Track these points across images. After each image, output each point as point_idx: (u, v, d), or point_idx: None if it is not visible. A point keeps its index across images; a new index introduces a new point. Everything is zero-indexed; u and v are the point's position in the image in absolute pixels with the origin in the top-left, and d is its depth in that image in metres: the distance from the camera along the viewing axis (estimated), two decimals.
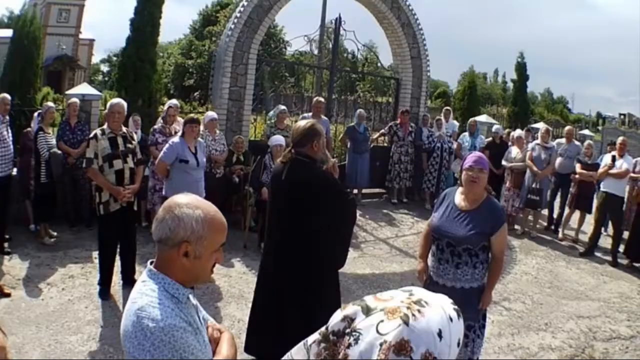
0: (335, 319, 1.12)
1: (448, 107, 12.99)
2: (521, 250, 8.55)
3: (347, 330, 1.08)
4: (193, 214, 1.64)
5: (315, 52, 14.52)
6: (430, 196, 10.41)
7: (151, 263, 1.73)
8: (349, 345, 1.06)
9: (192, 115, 6.74)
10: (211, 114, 7.88)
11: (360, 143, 9.92)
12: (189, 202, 1.68)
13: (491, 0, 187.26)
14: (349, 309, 1.11)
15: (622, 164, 8.21)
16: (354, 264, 6.98)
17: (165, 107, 7.80)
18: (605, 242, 9.01)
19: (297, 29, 13.55)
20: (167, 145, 5.86)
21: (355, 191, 9.99)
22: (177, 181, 5.68)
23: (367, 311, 1.08)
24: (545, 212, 9.88)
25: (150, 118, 9.19)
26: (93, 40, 37.46)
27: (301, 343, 1.19)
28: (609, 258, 8.32)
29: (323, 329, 1.15)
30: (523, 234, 9.27)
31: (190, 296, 1.74)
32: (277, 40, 25.93)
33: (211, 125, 7.56)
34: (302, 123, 3.78)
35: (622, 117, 68.55)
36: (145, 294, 1.63)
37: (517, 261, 7.98)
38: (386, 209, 10.12)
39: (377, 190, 10.87)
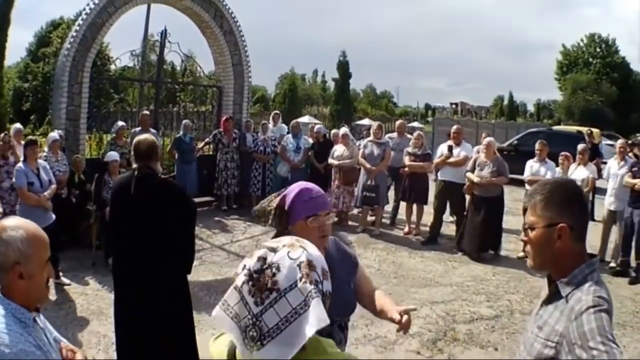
0: (251, 262, 1.30)
1: (277, 112, 13.17)
2: (359, 244, 8.31)
3: (265, 266, 1.28)
4: (17, 235, 1.66)
5: (139, 66, 14.56)
6: (257, 200, 10.15)
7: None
8: (274, 275, 1.26)
9: (31, 137, 6.94)
10: (53, 135, 7.87)
11: (187, 153, 10.03)
12: (12, 225, 1.70)
13: (310, 1, 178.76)
14: (258, 252, 1.32)
15: (460, 152, 8.22)
16: (196, 271, 6.86)
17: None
18: (449, 229, 8.99)
19: (120, 44, 12.86)
20: (15, 172, 6.11)
21: None
22: (27, 205, 5.90)
23: (274, 250, 1.30)
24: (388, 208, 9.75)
25: None
26: None
27: (232, 288, 1.31)
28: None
29: (245, 271, 1.29)
30: (364, 232, 8.99)
31: (38, 318, 1.76)
32: (103, 57, 25.02)
33: (54, 146, 7.61)
34: (144, 137, 3.93)
35: (453, 106, 73.18)
36: None
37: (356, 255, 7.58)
38: (218, 217, 9.93)
39: (207, 198, 10.74)
